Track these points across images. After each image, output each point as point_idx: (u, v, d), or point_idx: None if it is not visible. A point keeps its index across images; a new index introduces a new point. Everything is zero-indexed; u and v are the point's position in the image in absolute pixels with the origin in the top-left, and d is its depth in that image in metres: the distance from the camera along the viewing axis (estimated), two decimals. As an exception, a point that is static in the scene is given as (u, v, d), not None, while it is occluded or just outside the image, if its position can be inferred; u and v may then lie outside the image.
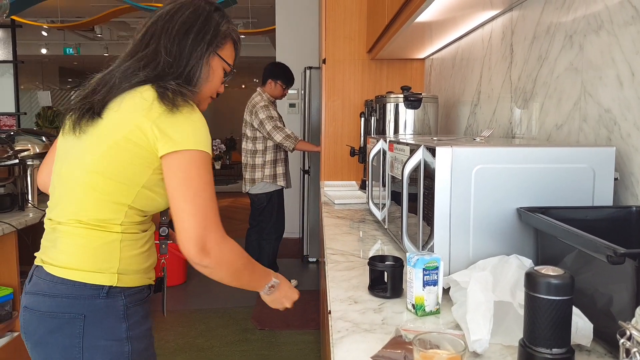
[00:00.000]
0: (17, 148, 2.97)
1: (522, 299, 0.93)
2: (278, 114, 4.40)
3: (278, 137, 4.27)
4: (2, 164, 2.72)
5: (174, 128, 1.20)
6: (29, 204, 3.06)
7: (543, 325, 0.75)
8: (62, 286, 1.26)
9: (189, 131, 1.21)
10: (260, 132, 4.33)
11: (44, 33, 10.03)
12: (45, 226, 1.37)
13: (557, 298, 0.73)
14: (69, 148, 1.31)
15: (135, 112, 1.21)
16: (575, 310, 0.91)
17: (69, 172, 1.29)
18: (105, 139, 1.23)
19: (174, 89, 1.24)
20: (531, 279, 0.75)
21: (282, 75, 4.49)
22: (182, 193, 1.18)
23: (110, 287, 1.27)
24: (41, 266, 1.31)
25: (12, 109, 8.35)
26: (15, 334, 2.78)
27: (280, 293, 1.45)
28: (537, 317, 0.75)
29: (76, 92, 1.35)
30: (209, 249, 1.19)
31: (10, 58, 8.16)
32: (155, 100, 1.21)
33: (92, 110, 1.25)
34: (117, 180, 1.24)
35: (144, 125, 1.19)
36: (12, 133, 3.31)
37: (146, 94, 1.23)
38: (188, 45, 1.32)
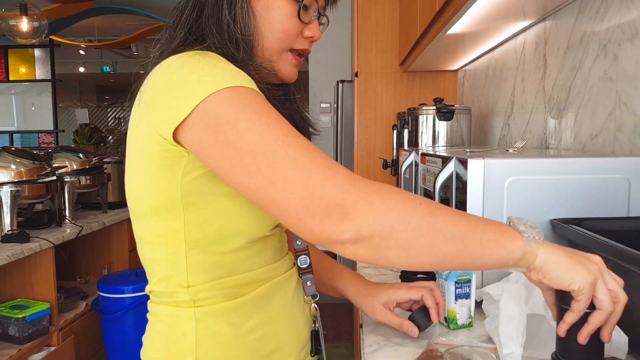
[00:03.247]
0: (55, 165, 3.04)
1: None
2: None
3: None
4: (41, 180, 2.78)
5: None
6: (66, 220, 3.13)
7: (576, 339, 0.72)
8: None
9: None
10: None
11: (82, 52, 10.29)
12: None
13: (590, 311, 0.70)
14: None
15: None
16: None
17: None
18: None
19: None
20: (564, 292, 0.72)
21: None
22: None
23: None
24: None
25: (50, 127, 8.61)
26: (52, 348, 2.82)
27: (559, 246, 0.74)
28: (569, 331, 0.72)
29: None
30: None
31: (49, 77, 8.43)
32: None
33: None
34: None
35: None
36: (50, 150, 3.40)
37: None
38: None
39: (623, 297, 0.71)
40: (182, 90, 0.76)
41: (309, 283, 1.02)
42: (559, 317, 0.73)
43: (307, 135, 1.06)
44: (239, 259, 0.88)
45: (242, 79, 0.78)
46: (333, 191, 0.68)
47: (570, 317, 0.70)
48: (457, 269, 0.75)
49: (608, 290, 0.69)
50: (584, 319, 0.70)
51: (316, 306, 1.03)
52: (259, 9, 0.89)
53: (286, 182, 0.69)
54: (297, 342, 0.97)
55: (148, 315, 0.96)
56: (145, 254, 0.92)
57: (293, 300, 0.97)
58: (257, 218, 0.86)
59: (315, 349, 1.02)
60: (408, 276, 1.27)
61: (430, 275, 1.25)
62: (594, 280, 0.69)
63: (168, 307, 0.90)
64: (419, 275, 1.27)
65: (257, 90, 0.78)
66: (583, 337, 0.70)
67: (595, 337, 0.71)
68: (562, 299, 0.72)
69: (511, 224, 0.73)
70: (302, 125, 1.05)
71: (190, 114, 0.74)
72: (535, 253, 0.70)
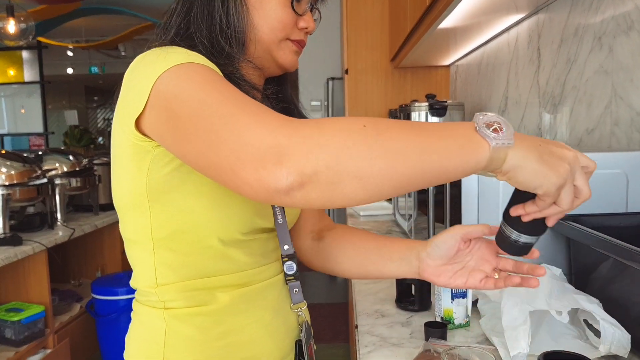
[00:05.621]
0: (45, 167, 3.02)
1: (558, 307, 0.90)
2: None
3: None
4: (31, 183, 2.76)
5: None
6: (58, 223, 3.11)
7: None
8: None
9: None
10: None
11: (70, 53, 10.24)
12: None
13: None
14: None
15: None
16: (612, 321, 0.88)
17: None
18: None
19: None
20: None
21: None
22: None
23: None
24: None
25: (40, 129, 8.57)
26: (48, 350, 2.82)
27: (533, 142, 0.67)
28: (518, 201, 0.72)
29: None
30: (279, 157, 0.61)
31: (38, 79, 8.39)
32: None
33: None
34: None
35: None
36: (40, 153, 3.38)
37: None
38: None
39: (585, 195, 0.68)
40: (139, 80, 0.75)
41: (295, 290, 0.96)
42: (512, 196, 0.73)
43: None
44: (208, 261, 0.85)
45: (195, 58, 0.75)
46: (262, 133, 0.62)
47: (532, 209, 0.69)
48: (420, 188, 0.65)
49: (572, 191, 0.67)
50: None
51: (303, 314, 0.97)
52: (252, 2, 0.88)
53: (219, 139, 0.64)
54: (275, 352, 0.92)
55: (131, 314, 0.94)
56: (127, 251, 0.91)
57: (275, 309, 0.92)
58: (223, 218, 0.83)
59: None
60: (403, 287, 1.25)
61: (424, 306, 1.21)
62: (562, 184, 0.65)
63: (144, 306, 0.90)
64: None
65: (211, 67, 0.76)
66: (529, 218, 0.70)
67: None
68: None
69: (477, 127, 0.65)
70: None
71: (147, 99, 0.72)
72: (503, 158, 0.64)
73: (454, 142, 0.63)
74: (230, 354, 0.87)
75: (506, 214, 0.74)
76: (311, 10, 0.94)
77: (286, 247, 0.94)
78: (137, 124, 0.76)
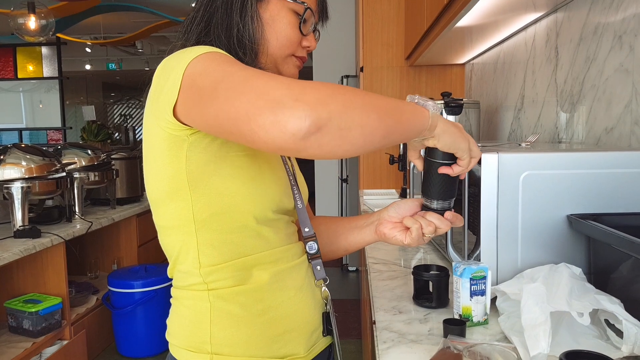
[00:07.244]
0: (64, 161, 3.06)
1: (579, 307, 0.90)
2: None
3: None
4: (50, 177, 2.80)
5: None
6: (76, 216, 3.15)
7: (435, 182, 0.97)
8: None
9: None
10: None
11: (88, 49, 10.32)
12: None
13: (448, 162, 0.94)
14: None
15: None
16: (635, 321, 0.88)
17: None
18: None
19: None
20: (432, 149, 0.93)
21: None
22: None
23: None
24: None
25: (58, 124, 8.66)
26: (65, 342, 2.86)
27: (451, 123, 0.92)
28: (431, 177, 0.97)
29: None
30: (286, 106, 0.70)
31: (56, 74, 8.48)
32: None
33: None
34: None
35: None
36: (59, 147, 3.42)
37: None
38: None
39: (478, 154, 0.93)
40: (169, 74, 0.84)
41: (318, 267, 1.06)
42: (426, 167, 0.97)
43: None
44: (244, 239, 0.94)
45: (218, 50, 0.86)
46: (277, 85, 0.72)
47: (458, 169, 0.93)
48: (393, 141, 0.82)
49: (477, 146, 0.92)
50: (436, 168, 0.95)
51: (327, 289, 1.08)
52: (266, 18, 0.99)
53: (237, 94, 0.73)
54: (307, 325, 1.02)
55: (171, 300, 1.02)
56: (164, 240, 0.99)
57: (303, 286, 1.02)
58: (257, 196, 0.93)
59: (326, 330, 1.06)
60: (420, 272, 1.26)
61: (443, 272, 1.24)
62: (469, 144, 0.90)
63: (186, 291, 0.97)
64: (432, 272, 1.25)
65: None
66: (464, 176, 0.99)
67: (452, 179, 0.97)
68: (431, 154, 0.95)
69: (417, 101, 0.87)
70: None
71: (180, 86, 0.81)
72: (436, 125, 0.87)
73: (409, 107, 0.84)
74: (270, 328, 0.96)
75: (424, 190, 1.01)
76: (313, 31, 1.07)
77: (307, 229, 1.06)
78: (174, 112, 0.83)
